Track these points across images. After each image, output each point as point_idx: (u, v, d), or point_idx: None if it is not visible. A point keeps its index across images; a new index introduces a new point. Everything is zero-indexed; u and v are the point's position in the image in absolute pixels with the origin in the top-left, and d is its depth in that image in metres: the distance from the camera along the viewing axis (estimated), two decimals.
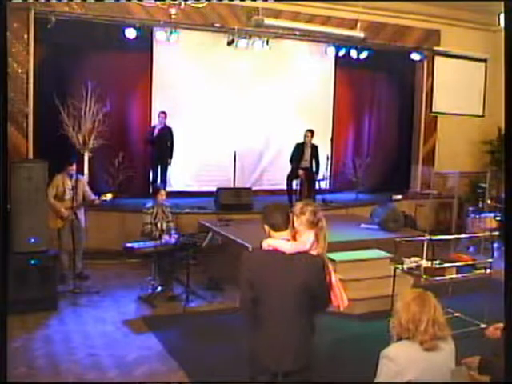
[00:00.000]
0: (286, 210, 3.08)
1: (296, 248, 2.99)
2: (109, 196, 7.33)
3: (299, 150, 9.72)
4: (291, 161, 9.71)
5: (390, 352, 2.55)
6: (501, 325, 2.99)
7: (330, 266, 3.23)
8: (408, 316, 2.52)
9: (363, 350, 4.94)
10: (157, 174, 9.45)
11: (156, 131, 9.27)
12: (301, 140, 9.75)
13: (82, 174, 8.36)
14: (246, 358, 3.10)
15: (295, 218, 3.23)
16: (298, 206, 3.32)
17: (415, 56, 11.09)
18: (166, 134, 9.32)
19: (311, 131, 9.71)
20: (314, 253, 3.12)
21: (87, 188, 7.43)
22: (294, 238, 3.11)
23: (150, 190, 8.57)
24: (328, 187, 10.96)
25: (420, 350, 2.50)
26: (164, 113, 9.30)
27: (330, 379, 4.30)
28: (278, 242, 2.98)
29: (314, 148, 9.78)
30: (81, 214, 7.21)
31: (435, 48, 11.11)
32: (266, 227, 3.04)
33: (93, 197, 7.37)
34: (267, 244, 3.01)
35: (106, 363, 4.92)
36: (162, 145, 9.30)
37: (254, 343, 3.05)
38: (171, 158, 9.44)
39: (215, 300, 6.75)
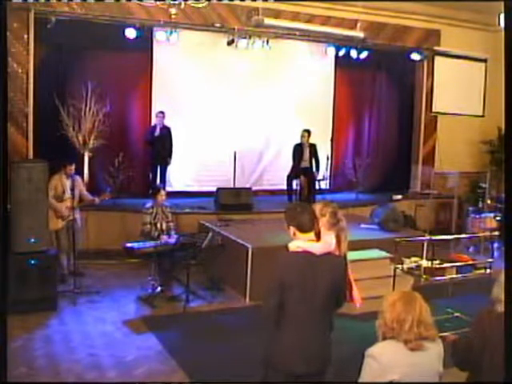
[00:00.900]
0: (312, 211, 3.07)
1: (324, 249, 3.00)
2: (108, 196, 7.47)
3: (298, 150, 9.73)
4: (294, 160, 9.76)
5: (373, 351, 2.55)
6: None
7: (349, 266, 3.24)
8: (393, 315, 2.52)
9: (363, 350, 4.94)
10: (156, 174, 9.45)
11: (156, 131, 9.28)
12: (299, 141, 9.76)
13: (82, 173, 8.38)
14: (262, 360, 3.08)
15: (318, 220, 3.21)
16: (318, 207, 3.30)
17: (415, 56, 11.09)
18: (166, 133, 9.31)
19: (307, 131, 9.74)
20: (336, 253, 3.13)
21: (84, 188, 7.46)
22: (318, 239, 3.10)
23: (150, 190, 8.57)
24: (328, 187, 10.95)
25: (404, 349, 2.50)
26: (162, 112, 9.29)
27: (329, 379, 4.30)
28: (309, 243, 2.98)
29: (313, 147, 9.80)
30: (77, 214, 7.22)
31: (435, 48, 11.11)
32: (292, 228, 3.02)
33: (91, 196, 7.42)
34: (296, 246, 2.99)
35: (106, 363, 4.92)
36: (161, 145, 9.30)
37: (276, 345, 3.01)
38: (171, 157, 9.44)
39: (215, 300, 6.75)
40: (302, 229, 2.98)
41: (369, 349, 2.57)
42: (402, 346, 2.50)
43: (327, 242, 3.09)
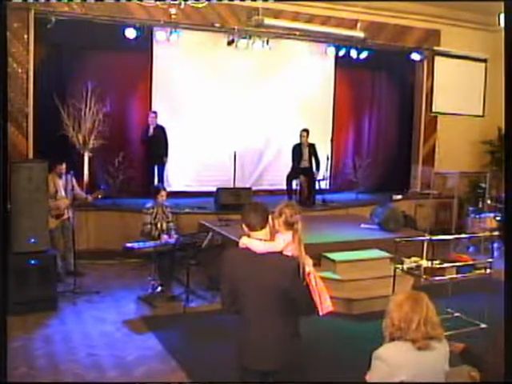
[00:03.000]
0: (263, 210, 3.07)
1: (266, 248, 2.99)
2: (101, 194, 7.48)
3: (297, 150, 9.74)
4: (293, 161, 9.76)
5: (381, 353, 2.56)
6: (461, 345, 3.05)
7: (310, 269, 3.17)
8: (400, 315, 2.53)
9: (363, 350, 4.93)
10: (154, 174, 9.46)
11: (150, 131, 9.29)
12: (299, 141, 9.76)
13: (82, 173, 8.39)
14: (234, 357, 3.14)
15: (275, 219, 3.25)
16: (278, 207, 3.37)
17: (415, 56, 11.09)
18: (160, 133, 9.35)
19: (306, 130, 9.74)
20: (290, 254, 3.12)
21: (77, 186, 7.46)
22: (272, 238, 3.11)
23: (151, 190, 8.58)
24: (328, 187, 10.95)
25: (412, 349, 2.50)
26: (155, 112, 9.36)
27: (329, 379, 4.31)
28: (251, 241, 3.02)
29: (312, 147, 9.81)
30: (70, 213, 7.21)
31: (435, 48, 11.11)
32: (244, 226, 3.08)
33: (84, 195, 7.45)
34: (241, 242, 3.06)
35: (106, 363, 4.92)
36: (157, 144, 9.33)
37: (238, 342, 3.11)
38: (167, 156, 9.46)
39: (215, 300, 6.72)
40: (249, 227, 3.04)
41: (376, 350, 2.58)
42: (409, 346, 2.51)
43: (274, 242, 3.08)
